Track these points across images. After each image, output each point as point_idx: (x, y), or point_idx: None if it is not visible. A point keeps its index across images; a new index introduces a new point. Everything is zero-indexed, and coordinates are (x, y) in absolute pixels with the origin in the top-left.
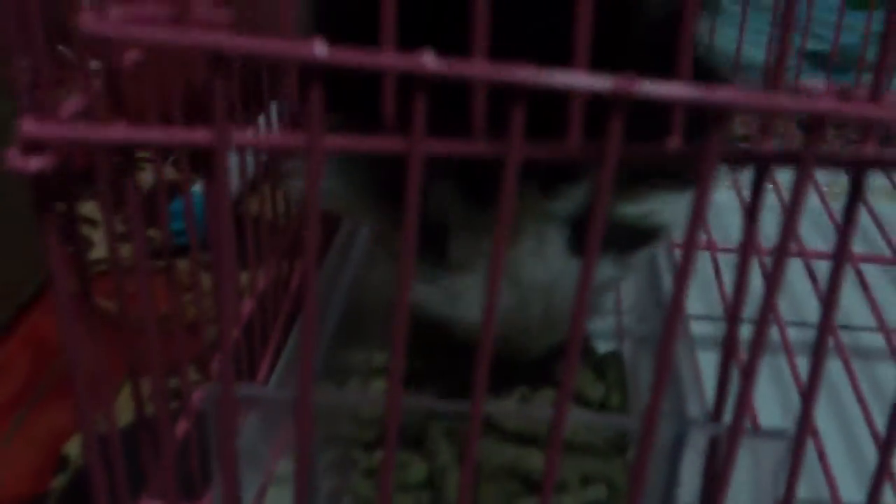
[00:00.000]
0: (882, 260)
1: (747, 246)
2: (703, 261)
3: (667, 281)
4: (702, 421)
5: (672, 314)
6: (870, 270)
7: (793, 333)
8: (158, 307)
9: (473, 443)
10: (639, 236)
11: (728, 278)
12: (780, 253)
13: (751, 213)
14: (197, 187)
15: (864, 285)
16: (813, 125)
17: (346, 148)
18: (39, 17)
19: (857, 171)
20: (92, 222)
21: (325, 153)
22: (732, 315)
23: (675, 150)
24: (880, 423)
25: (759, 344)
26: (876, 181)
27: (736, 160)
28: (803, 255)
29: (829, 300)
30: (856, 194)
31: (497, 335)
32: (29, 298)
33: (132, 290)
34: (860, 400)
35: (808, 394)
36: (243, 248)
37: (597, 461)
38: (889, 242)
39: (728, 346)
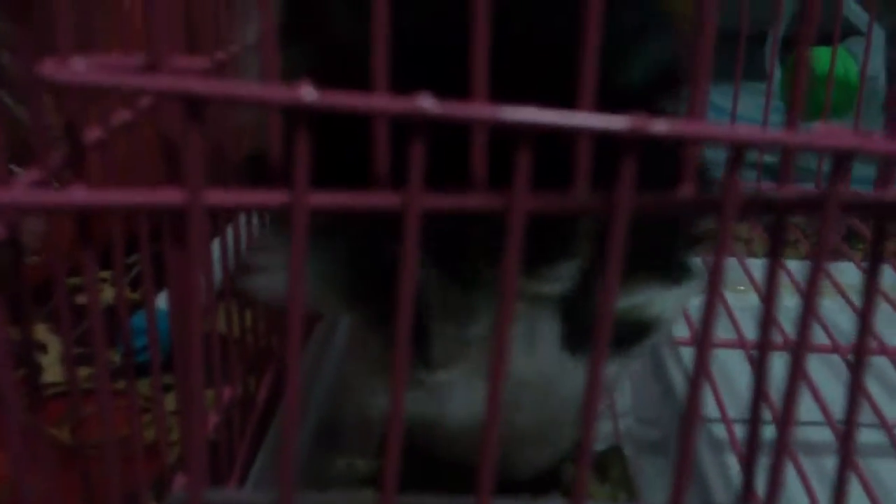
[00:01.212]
0: None
1: (769, 301)
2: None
3: (675, 377)
4: None
5: (693, 395)
6: None
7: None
8: (117, 431)
9: None
10: (634, 329)
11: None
12: (807, 308)
13: (770, 270)
14: (161, 302)
15: None
16: (837, 165)
17: (334, 206)
18: None
19: (881, 216)
20: (42, 346)
21: (309, 212)
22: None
23: (691, 197)
24: None
25: (788, 421)
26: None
27: (756, 207)
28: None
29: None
30: (879, 242)
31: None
32: None
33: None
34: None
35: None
36: (209, 363)
37: None
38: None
39: (753, 426)
